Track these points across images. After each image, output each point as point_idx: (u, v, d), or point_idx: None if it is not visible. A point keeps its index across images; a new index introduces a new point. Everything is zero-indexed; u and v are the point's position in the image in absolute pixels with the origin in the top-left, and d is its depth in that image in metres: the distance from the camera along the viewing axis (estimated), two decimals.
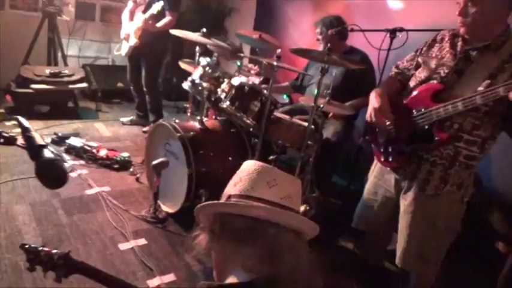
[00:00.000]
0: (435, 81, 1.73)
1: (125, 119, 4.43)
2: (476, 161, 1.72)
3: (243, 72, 4.51)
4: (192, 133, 2.62)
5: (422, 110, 1.71)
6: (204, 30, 3.06)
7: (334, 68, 3.19)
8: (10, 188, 2.81)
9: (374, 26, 2.87)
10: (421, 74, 1.83)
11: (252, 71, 3.70)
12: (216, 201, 0.93)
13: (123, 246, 2.40)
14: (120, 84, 5.04)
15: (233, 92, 2.62)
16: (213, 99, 2.69)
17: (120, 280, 1.15)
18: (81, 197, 2.85)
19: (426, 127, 1.69)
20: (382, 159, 1.94)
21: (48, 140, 3.60)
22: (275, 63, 2.43)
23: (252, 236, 0.84)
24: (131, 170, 3.33)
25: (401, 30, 2.52)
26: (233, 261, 0.85)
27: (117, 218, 2.65)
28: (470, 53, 1.67)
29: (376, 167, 2.08)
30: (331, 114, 3.13)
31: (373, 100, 1.84)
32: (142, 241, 2.47)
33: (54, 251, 1.14)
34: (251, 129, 2.69)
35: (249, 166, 0.95)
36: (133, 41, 3.78)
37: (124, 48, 3.93)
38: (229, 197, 0.91)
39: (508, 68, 1.54)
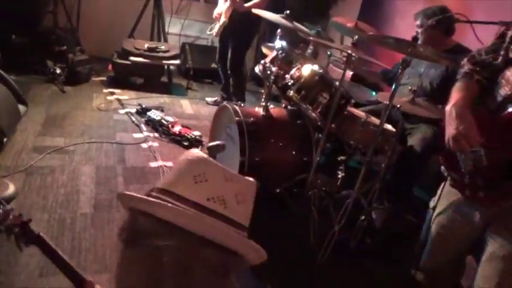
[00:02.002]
0: None
1: (209, 99, 4.47)
2: None
3: (337, 63, 4.19)
4: (252, 119, 2.47)
5: None
6: (287, 12, 2.84)
7: (432, 67, 2.73)
8: (85, 149, 2.98)
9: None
10: None
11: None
12: (129, 193, 0.74)
13: None
14: (214, 65, 5.08)
15: (302, 80, 2.38)
16: (280, 85, 2.48)
17: (71, 266, 1.04)
18: (144, 168, 2.91)
19: None
20: (468, 193, 1.53)
21: (133, 110, 3.78)
22: (349, 51, 2.12)
23: (150, 243, 0.65)
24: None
25: None
26: (130, 272, 0.67)
27: None
28: None
29: (448, 195, 1.66)
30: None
31: (453, 121, 1.41)
32: None
33: (11, 215, 1.06)
34: (319, 123, 2.43)
35: (187, 155, 0.76)
36: (222, 20, 3.74)
37: (215, 28, 3.92)
38: (152, 190, 0.73)
39: None
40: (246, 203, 0.73)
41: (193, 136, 3.37)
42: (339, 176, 2.72)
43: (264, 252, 0.72)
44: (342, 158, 2.74)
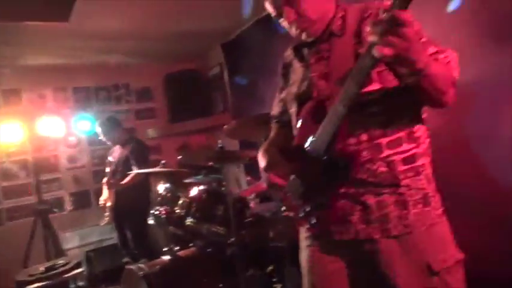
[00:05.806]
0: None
1: None
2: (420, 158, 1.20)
3: None
4: (158, 267, 2.22)
5: (312, 138, 1.22)
6: (163, 162, 2.91)
7: None
8: None
9: None
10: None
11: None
12: None
13: None
14: (126, 259, 4.74)
15: (192, 204, 2.31)
16: (174, 221, 2.36)
17: None
18: None
19: (325, 157, 1.17)
20: (310, 226, 1.29)
21: None
22: None
23: None
24: None
25: None
26: None
27: None
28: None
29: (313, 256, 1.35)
30: None
31: (259, 161, 1.43)
32: None
33: None
34: (229, 239, 2.27)
35: None
36: (108, 204, 3.64)
37: (105, 217, 3.77)
38: None
39: None
40: None
41: None
42: None
43: None
44: (271, 268, 2.54)
